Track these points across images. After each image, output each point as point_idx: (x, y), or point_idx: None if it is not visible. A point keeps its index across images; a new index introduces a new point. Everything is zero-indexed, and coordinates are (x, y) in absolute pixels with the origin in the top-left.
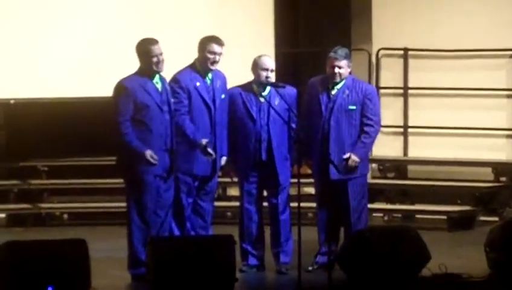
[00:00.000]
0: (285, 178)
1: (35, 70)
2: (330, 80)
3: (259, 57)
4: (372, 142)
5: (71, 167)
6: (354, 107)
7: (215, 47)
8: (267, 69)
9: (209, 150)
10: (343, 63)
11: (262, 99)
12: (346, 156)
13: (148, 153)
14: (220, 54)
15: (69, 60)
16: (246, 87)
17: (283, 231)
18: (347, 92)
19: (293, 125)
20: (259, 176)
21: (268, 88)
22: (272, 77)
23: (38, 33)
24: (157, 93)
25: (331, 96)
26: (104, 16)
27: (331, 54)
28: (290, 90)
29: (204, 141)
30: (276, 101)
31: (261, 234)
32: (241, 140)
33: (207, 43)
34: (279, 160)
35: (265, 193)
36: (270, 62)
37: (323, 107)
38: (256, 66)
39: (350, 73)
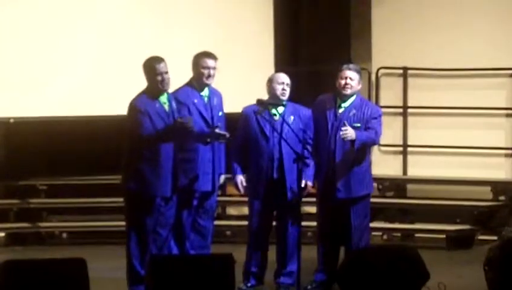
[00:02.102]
0: (296, 198)
1: (35, 90)
2: (340, 93)
3: (274, 73)
4: (370, 139)
5: (70, 186)
6: (358, 125)
7: (208, 62)
8: (282, 83)
9: (218, 130)
10: (355, 76)
11: (276, 117)
12: (344, 128)
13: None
14: (214, 68)
15: (68, 79)
16: (260, 105)
17: (290, 252)
18: (354, 111)
19: (308, 147)
20: (270, 195)
21: (283, 107)
22: (288, 90)
23: (38, 52)
24: (166, 116)
25: (338, 114)
26: (104, 35)
27: (344, 66)
28: (306, 111)
29: (214, 127)
30: (291, 120)
31: (266, 254)
32: (253, 158)
33: (200, 58)
34: (290, 179)
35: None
36: (285, 77)
37: (329, 125)
38: (272, 82)
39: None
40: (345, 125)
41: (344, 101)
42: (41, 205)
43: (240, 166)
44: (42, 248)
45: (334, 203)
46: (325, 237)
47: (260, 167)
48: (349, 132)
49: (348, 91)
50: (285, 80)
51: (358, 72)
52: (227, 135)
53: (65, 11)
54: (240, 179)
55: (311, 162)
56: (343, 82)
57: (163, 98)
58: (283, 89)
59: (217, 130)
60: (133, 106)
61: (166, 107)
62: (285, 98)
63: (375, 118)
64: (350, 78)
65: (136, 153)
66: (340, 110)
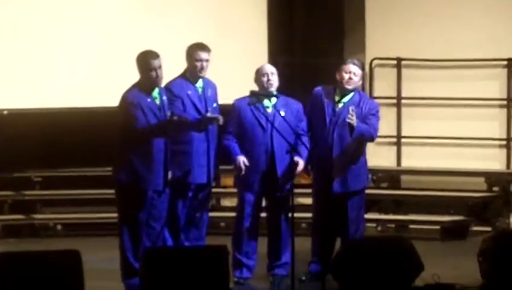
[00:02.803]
0: (286, 189)
1: (29, 81)
2: (342, 87)
3: (260, 66)
4: (369, 132)
5: (65, 177)
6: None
7: (201, 54)
8: (266, 74)
9: (210, 114)
10: (359, 72)
11: (269, 109)
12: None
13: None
14: (206, 60)
15: (62, 71)
16: (253, 95)
17: (283, 243)
18: (352, 107)
19: (302, 137)
20: (260, 185)
21: (274, 99)
22: (274, 81)
23: (33, 44)
24: (158, 110)
25: (337, 110)
26: (99, 27)
27: (348, 61)
28: (297, 104)
29: (205, 112)
30: (283, 112)
31: (256, 245)
32: (246, 149)
33: (193, 50)
34: (282, 170)
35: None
36: (269, 67)
37: (327, 120)
38: (256, 75)
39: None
40: (350, 112)
41: (344, 96)
42: (36, 197)
43: (237, 148)
44: (36, 239)
45: (330, 197)
46: (320, 229)
47: (252, 158)
48: (351, 119)
49: (351, 86)
50: (267, 70)
51: (362, 68)
52: (220, 118)
53: (61, 4)
54: (242, 158)
55: (305, 149)
56: (346, 76)
57: (155, 93)
58: (268, 80)
59: (208, 114)
60: (125, 99)
61: (157, 101)
62: (273, 88)
63: (373, 114)
64: (354, 74)
65: (127, 146)
66: (339, 106)
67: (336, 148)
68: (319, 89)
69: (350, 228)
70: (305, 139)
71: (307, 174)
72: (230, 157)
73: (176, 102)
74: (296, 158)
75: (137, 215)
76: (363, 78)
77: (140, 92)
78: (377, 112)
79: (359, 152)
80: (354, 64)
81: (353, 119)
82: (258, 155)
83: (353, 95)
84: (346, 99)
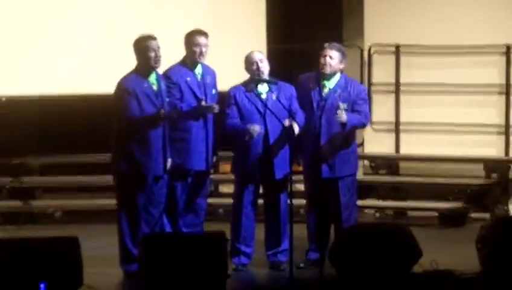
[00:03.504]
0: (283, 174)
1: (27, 68)
2: (321, 72)
3: (248, 54)
4: (360, 121)
5: (63, 164)
6: (345, 105)
7: (200, 39)
8: (255, 62)
9: (205, 103)
10: (335, 54)
11: (264, 96)
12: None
13: (162, 112)
14: (205, 45)
15: (62, 57)
16: (247, 83)
17: (281, 229)
18: (339, 91)
19: (296, 116)
20: (257, 171)
21: (268, 85)
22: (264, 67)
23: (31, 31)
24: (154, 95)
25: (323, 94)
26: (97, 13)
27: (325, 45)
28: (289, 88)
29: (199, 101)
30: (275, 96)
31: (254, 232)
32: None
33: (191, 36)
34: (277, 155)
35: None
36: (257, 55)
37: (314, 105)
38: (246, 63)
39: (342, 71)
40: (339, 107)
41: (328, 80)
42: (34, 183)
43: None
44: (35, 226)
45: (319, 182)
46: (313, 215)
47: (250, 144)
48: (342, 116)
49: (327, 70)
50: (256, 58)
51: (340, 50)
52: (215, 106)
53: None
54: (252, 125)
55: (299, 124)
56: (323, 60)
57: (152, 78)
58: (258, 68)
59: (203, 103)
60: (120, 86)
61: (154, 87)
62: (264, 75)
63: (363, 99)
64: (330, 57)
65: (124, 134)
66: (325, 90)
67: (324, 133)
68: (304, 76)
69: (343, 213)
70: (298, 117)
71: (297, 164)
72: (240, 133)
73: (173, 89)
74: (287, 120)
75: (136, 202)
76: (361, 64)
77: (137, 77)
78: (366, 94)
79: (350, 139)
80: (330, 48)
81: (342, 116)
82: (255, 141)
83: (339, 79)
84: (332, 84)
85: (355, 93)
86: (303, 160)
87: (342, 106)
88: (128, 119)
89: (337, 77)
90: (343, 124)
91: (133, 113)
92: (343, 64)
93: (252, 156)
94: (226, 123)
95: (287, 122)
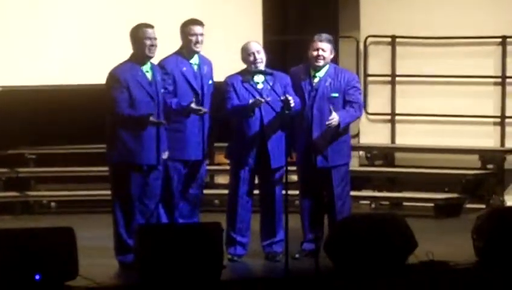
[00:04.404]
0: (278, 164)
1: (23, 58)
2: (313, 64)
3: (245, 44)
4: (354, 116)
5: (59, 155)
6: (336, 95)
7: (195, 28)
8: (252, 53)
9: (194, 105)
10: (327, 46)
11: (260, 86)
12: (331, 116)
13: (150, 114)
14: (201, 34)
15: (57, 48)
16: (244, 73)
17: (277, 220)
18: (329, 80)
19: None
20: (253, 161)
21: (263, 75)
22: (261, 58)
23: (26, 21)
24: (148, 84)
25: (314, 84)
26: (93, 3)
27: (315, 37)
28: (285, 77)
29: (189, 102)
30: (269, 87)
31: (249, 222)
32: (239, 125)
33: (186, 26)
34: (272, 145)
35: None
36: (254, 45)
37: (306, 95)
38: (243, 54)
39: (333, 61)
40: (331, 112)
41: (318, 71)
42: (30, 174)
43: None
44: (30, 217)
45: (312, 172)
46: (306, 206)
47: (246, 133)
48: (334, 120)
49: (321, 63)
50: (253, 49)
51: (330, 41)
52: (203, 110)
53: None
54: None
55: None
56: (315, 53)
57: (147, 67)
58: (255, 59)
59: (192, 105)
60: (111, 76)
61: (149, 76)
62: (261, 66)
63: (354, 87)
64: (322, 50)
65: (117, 124)
66: (316, 80)
67: (315, 122)
68: (294, 69)
69: (336, 204)
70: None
71: (290, 157)
72: (244, 110)
73: (166, 81)
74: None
75: (130, 193)
76: (357, 55)
77: (131, 66)
78: (357, 82)
79: (343, 129)
80: (320, 40)
81: (334, 122)
82: (248, 130)
83: (328, 68)
84: (321, 73)
85: (346, 81)
86: (296, 150)
87: (332, 108)
88: (117, 115)
89: (327, 66)
90: (337, 127)
91: (122, 107)
92: (333, 54)
93: (247, 143)
94: (227, 106)
95: (282, 97)
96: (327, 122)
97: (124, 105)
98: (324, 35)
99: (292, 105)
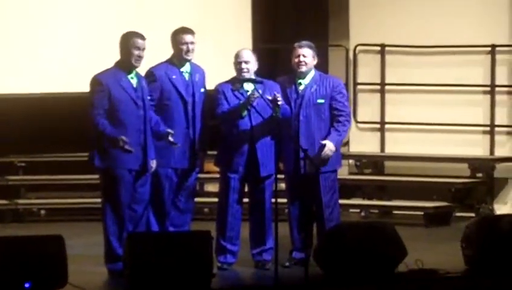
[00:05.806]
0: (267, 172)
1: (12, 66)
2: (296, 71)
3: (238, 51)
4: (345, 132)
5: (48, 163)
6: (322, 101)
7: (186, 37)
8: (240, 62)
9: (171, 138)
10: (308, 52)
11: (249, 93)
12: (323, 142)
13: (123, 138)
14: (192, 42)
15: (47, 57)
16: (234, 81)
17: (267, 228)
18: (315, 86)
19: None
20: (243, 169)
21: (253, 83)
22: (250, 68)
23: (18, 30)
24: (132, 89)
25: (299, 91)
26: (84, 12)
27: (296, 45)
28: (274, 85)
29: (166, 131)
30: (260, 94)
31: (239, 230)
32: (229, 132)
33: (177, 35)
34: (262, 153)
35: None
36: (245, 54)
37: (292, 104)
38: (235, 60)
39: (322, 69)
40: (322, 147)
41: (303, 78)
42: (20, 181)
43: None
44: (20, 225)
45: (300, 180)
46: (295, 214)
47: (235, 141)
48: (329, 151)
49: (304, 68)
50: (243, 58)
51: (311, 47)
52: (177, 145)
53: None
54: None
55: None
56: (297, 60)
57: (132, 75)
58: (241, 69)
59: (170, 138)
60: (94, 79)
61: (133, 82)
62: (246, 76)
63: (340, 93)
64: (303, 56)
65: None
66: (301, 87)
67: (302, 128)
68: (280, 79)
69: (325, 212)
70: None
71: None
72: (237, 112)
73: (154, 85)
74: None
75: (119, 199)
76: (347, 64)
77: (116, 71)
78: (343, 88)
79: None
80: (300, 47)
81: (328, 148)
82: (241, 138)
83: (313, 75)
84: (306, 80)
85: (331, 87)
86: (283, 159)
87: (324, 141)
88: (90, 119)
89: (312, 73)
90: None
91: (94, 114)
92: (315, 60)
93: (236, 151)
94: (218, 111)
95: (271, 96)
96: (323, 154)
97: (97, 112)
98: (304, 42)
99: (280, 103)
